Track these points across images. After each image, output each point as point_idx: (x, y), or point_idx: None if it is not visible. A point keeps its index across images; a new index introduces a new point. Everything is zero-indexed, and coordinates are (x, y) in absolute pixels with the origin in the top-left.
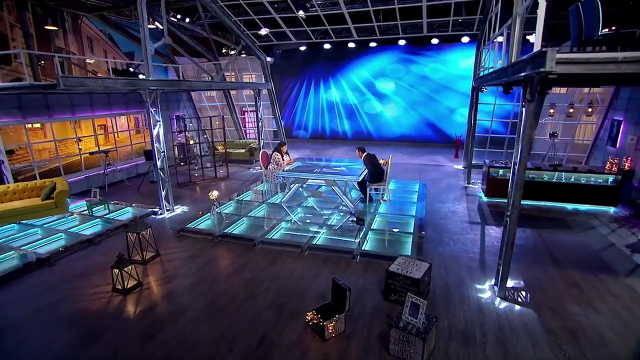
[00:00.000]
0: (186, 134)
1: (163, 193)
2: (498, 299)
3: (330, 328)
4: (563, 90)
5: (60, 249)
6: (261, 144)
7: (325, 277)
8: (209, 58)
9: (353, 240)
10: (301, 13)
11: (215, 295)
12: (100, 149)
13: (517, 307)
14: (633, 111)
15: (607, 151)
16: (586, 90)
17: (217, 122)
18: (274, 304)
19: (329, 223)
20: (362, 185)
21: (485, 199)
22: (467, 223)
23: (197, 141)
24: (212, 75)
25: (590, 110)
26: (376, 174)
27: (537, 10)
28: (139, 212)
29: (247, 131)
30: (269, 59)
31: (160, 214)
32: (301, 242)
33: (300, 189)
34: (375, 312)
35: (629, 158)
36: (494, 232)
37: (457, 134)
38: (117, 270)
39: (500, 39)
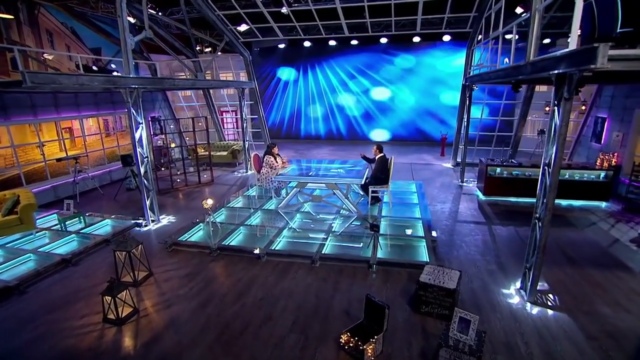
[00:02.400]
0: (166, 136)
1: (147, 202)
2: (528, 304)
3: (370, 351)
4: (543, 88)
5: (26, 269)
6: (246, 146)
7: (345, 290)
8: (188, 55)
9: (359, 245)
10: (284, 10)
11: (227, 320)
12: (69, 155)
13: (550, 311)
14: (617, 108)
15: (592, 147)
16: None
17: (199, 124)
18: (296, 325)
19: (333, 229)
20: (364, 187)
21: (483, 197)
22: (473, 224)
23: (179, 144)
24: (195, 73)
25: (583, 107)
26: (382, 177)
27: (575, 8)
28: (120, 225)
29: (226, 132)
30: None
31: (145, 226)
32: (310, 251)
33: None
34: (409, 327)
35: (616, 154)
36: (502, 232)
37: (443, 132)
38: (110, 298)
39: (508, 36)
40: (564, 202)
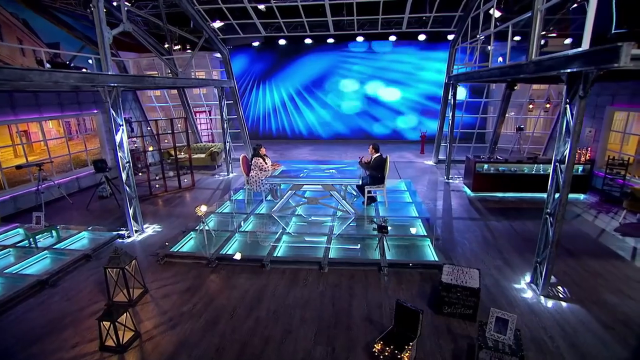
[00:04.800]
0: (143, 139)
1: (130, 211)
2: (542, 298)
3: (406, 358)
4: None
5: None
6: (227, 147)
7: (361, 295)
8: (162, 52)
9: (358, 247)
10: (262, 6)
11: (244, 337)
12: (31, 161)
13: (564, 304)
14: (589, 106)
15: None
16: (536, 86)
17: (179, 125)
18: (319, 337)
19: (334, 231)
20: (360, 187)
21: (471, 194)
22: (469, 220)
23: (157, 147)
24: (176, 72)
25: (548, 105)
26: (378, 177)
27: (588, 7)
28: (100, 237)
29: (201, 133)
30: (218, 55)
31: (129, 237)
32: (317, 257)
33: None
34: (434, 330)
35: (589, 148)
36: (499, 227)
37: (423, 130)
38: (109, 323)
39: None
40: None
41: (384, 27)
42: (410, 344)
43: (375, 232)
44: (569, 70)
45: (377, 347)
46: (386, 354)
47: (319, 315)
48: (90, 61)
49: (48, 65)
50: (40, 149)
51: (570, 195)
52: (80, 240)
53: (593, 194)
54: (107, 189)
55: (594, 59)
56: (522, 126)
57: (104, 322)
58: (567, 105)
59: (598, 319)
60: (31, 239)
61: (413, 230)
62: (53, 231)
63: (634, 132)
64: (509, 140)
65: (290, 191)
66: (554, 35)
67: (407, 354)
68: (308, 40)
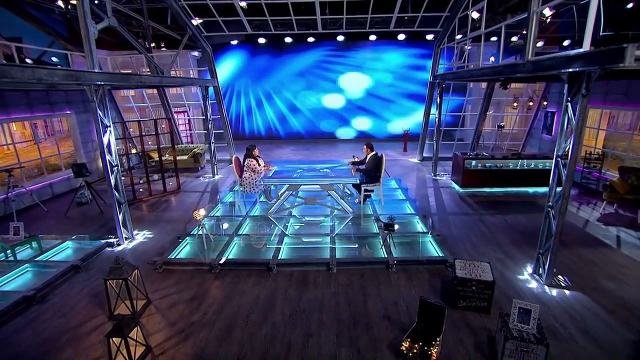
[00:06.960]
0: (126, 141)
1: (120, 217)
2: (546, 287)
3: (434, 354)
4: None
5: None
6: (212, 148)
7: (374, 294)
8: (140, 50)
9: (360, 246)
10: (243, 3)
11: (264, 344)
12: None
13: (567, 292)
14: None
15: (543, 139)
16: (513, 85)
17: (163, 127)
18: (341, 338)
19: (335, 232)
20: (355, 186)
21: (460, 190)
22: (463, 215)
23: (139, 150)
24: (162, 70)
25: (531, 103)
26: (374, 175)
27: (589, 8)
28: (87, 247)
29: (180, 134)
30: (195, 53)
31: (119, 245)
32: (324, 257)
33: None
34: (453, 324)
35: None
36: (493, 221)
37: (405, 128)
38: (120, 339)
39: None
40: (530, 190)
41: (370, 26)
42: (438, 339)
43: (378, 231)
44: (570, 70)
45: (405, 344)
46: (415, 350)
47: (336, 317)
48: (54, 58)
49: (29, 61)
50: (3, 154)
51: None
52: (65, 250)
53: (573, 187)
54: (86, 195)
55: (598, 59)
56: (502, 123)
57: (113, 339)
58: (569, 104)
59: (600, 305)
60: (9, 252)
61: (396, 227)
62: (34, 242)
63: (603, 128)
64: (488, 138)
65: (287, 192)
66: None
67: (435, 350)
68: (288, 39)
